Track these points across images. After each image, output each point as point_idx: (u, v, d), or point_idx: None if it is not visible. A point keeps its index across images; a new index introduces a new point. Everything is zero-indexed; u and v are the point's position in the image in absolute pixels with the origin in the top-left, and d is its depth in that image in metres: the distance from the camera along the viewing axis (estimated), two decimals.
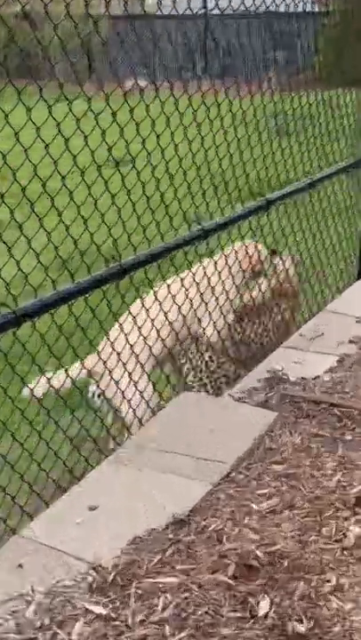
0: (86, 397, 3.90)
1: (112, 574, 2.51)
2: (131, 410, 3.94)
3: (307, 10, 5.27)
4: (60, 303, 3.18)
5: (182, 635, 2.28)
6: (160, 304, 3.94)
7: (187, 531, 2.73)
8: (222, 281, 4.44)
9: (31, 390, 3.70)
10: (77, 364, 3.74)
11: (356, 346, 4.24)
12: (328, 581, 2.49)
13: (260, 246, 4.69)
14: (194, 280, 4.23)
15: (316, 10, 6.22)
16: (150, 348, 4.00)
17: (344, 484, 2.98)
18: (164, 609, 2.38)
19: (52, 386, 3.59)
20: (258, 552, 2.58)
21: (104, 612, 2.38)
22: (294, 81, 5.31)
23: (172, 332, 4.16)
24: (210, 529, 2.74)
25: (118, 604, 2.41)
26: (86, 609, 2.39)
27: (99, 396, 4.07)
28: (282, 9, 4.75)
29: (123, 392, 3.84)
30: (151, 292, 4.01)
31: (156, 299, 3.94)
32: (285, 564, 2.55)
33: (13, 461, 3.29)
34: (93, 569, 2.54)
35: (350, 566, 2.56)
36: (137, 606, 2.40)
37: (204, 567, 2.54)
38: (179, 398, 3.75)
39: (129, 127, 3.43)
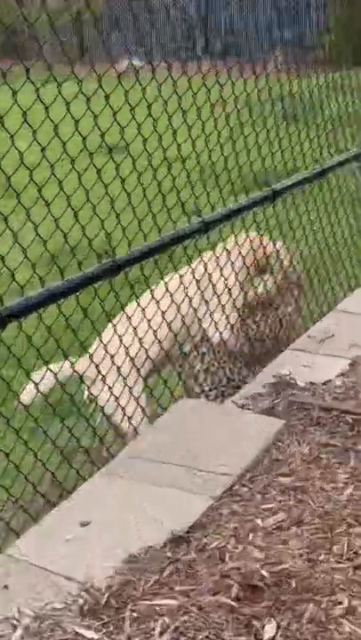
0: (79, 405, 3.90)
1: (105, 596, 2.51)
2: (125, 417, 3.94)
3: None
4: (49, 302, 3.18)
5: None
6: (157, 303, 3.95)
7: (186, 549, 2.74)
8: (227, 277, 4.44)
9: (19, 402, 3.70)
10: (66, 364, 3.73)
11: None
12: (339, 603, 2.49)
13: (265, 240, 4.70)
14: (193, 277, 4.23)
15: None
16: (147, 350, 4.00)
17: (356, 497, 2.98)
18: (161, 633, 2.37)
19: (40, 391, 3.59)
20: (263, 572, 2.58)
21: (96, 636, 2.38)
22: (303, 61, 5.32)
23: (174, 333, 4.17)
24: (211, 547, 2.74)
25: (112, 628, 2.41)
26: (77, 633, 2.39)
27: (90, 401, 4.07)
28: None
29: (117, 398, 3.83)
30: (161, 284, 4.03)
31: (153, 298, 3.94)
32: (293, 584, 2.55)
33: None
34: (85, 590, 2.54)
35: None
36: (132, 631, 2.40)
37: (204, 588, 2.54)
38: (177, 405, 3.75)
39: (123, 111, 3.43)
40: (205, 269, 4.32)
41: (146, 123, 3.58)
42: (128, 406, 3.92)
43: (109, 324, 3.92)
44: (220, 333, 4.52)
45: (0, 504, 3.36)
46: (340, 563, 2.66)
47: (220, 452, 3.26)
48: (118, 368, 3.79)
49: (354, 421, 3.50)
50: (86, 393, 4.07)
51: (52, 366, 3.59)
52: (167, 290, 4.04)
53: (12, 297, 3.05)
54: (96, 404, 4.04)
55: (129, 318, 3.83)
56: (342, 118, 5.55)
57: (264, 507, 2.95)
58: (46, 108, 3.05)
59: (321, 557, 2.68)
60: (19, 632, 2.39)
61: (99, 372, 3.73)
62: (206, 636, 2.36)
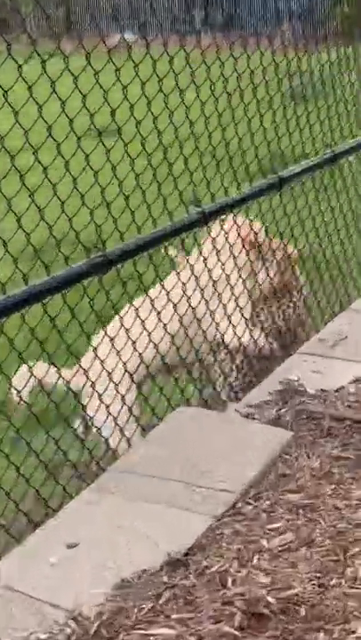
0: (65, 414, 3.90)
1: (95, 625, 2.52)
2: (117, 428, 3.94)
3: None
4: (33, 301, 3.18)
5: None
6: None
7: (184, 573, 2.74)
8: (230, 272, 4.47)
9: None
10: (53, 370, 3.75)
11: None
12: (353, 632, 2.49)
13: (256, 225, 4.69)
14: (193, 274, 4.24)
15: None
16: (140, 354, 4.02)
17: None
18: None
19: (22, 400, 3.60)
20: (269, 598, 2.58)
21: None
22: (312, 35, 5.33)
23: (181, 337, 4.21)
24: (212, 570, 2.74)
25: None
26: None
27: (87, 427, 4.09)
28: None
29: (107, 407, 3.84)
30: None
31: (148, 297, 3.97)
32: (302, 612, 2.55)
33: None
34: (72, 618, 2.54)
35: None
36: None
37: (204, 616, 2.55)
38: (174, 414, 3.76)
39: (114, 90, 3.44)
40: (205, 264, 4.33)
41: (139, 103, 3.59)
42: (123, 415, 3.93)
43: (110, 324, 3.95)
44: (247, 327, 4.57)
45: None
46: (353, 588, 2.66)
47: (221, 465, 3.27)
48: (109, 373, 3.80)
49: None
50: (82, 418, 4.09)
51: (36, 370, 3.61)
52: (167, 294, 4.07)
53: None
54: (92, 424, 4.05)
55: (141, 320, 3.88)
56: (356, 98, 5.56)
57: (270, 526, 2.95)
58: (29, 87, 3.05)
59: (333, 582, 2.68)
60: None
61: (96, 391, 3.75)
62: None
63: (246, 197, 4.28)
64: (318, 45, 5.08)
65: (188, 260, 4.29)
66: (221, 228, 4.45)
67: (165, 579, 2.71)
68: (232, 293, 4.49)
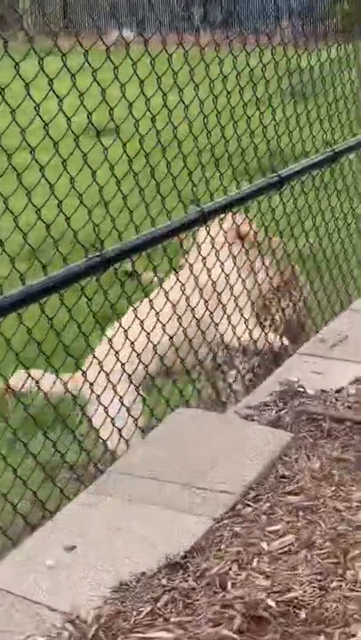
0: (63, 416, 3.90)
1: (93, 628, 2.51)
2: (115, 429, 3.94)
3: None
4: (30, 301, 3.18)
5: None
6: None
7: (183, 575, 2.74)
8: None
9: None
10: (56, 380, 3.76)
11: None
12: (353, 636, 2.49)
13: (238, 217, 4.68)
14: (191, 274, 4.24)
15: None
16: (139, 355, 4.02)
17: None
18: None
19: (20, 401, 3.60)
20: (269, 601, 2.58)
21: None
22: (312, 32, 5.33)
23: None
24: (211, 573, 2.74)
25: None
26: None
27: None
28: None
29: (105, 408, 3.84)
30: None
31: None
32: (302, 615, 2.55)
33: None
34: (70, 622, 2.54)
35: None
36: None
37: (203, 619, 2.55)
38: (173, 415, 3.76)
39: (112, 88, 3.44)
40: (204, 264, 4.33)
41: (138, 101, 3.58)
42: (118, 416, 3.93)
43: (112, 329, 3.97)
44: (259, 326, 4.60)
45: None
46: (353, 591, 2.66)
47: (220, 467, 3.27)
48: (107, 374, 3.80)
49: None
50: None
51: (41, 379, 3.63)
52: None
53: None
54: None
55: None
56: (356, 95, 5.56)
57: (270, 529, 2.95)
58: (26, 85, 3.05)
59: (333, 585, 2.68)
60: None
61: (110, 381, 3.77)
62: None
63: (245, 196, 4.28)
64: (318, 43, 5.07)
65: (187, 260, 4.30)
66: (220, 228, 4.46)
67: (164, 581, 2.71)
68: (231, 293, 4.50)
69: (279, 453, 3.37)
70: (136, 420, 3.99)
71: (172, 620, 2.55)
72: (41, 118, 3.12)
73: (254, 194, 4.35)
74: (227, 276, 4.43)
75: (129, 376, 3.95)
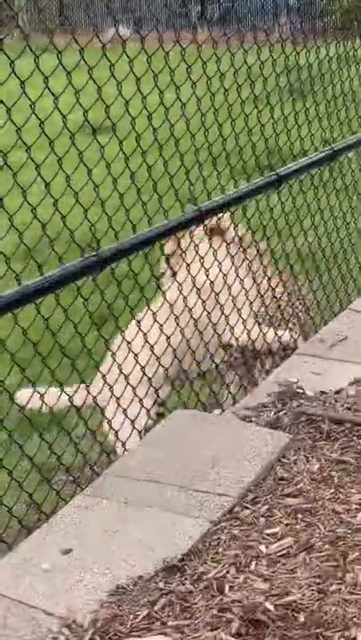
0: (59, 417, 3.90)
1: (89, 632, 2.51)
2: (112, 431, 3.95)
3: None
4: (25, 301, 3.18)
5: None
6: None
7: (180, 579, 2.74)
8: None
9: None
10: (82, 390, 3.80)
11: None
12: (353, 639, 2.50)
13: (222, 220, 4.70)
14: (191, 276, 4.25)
15: None
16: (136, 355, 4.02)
17: None
18: None
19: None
20: (267, 604, 2.58)
21: None
22: (311, 29, 5.33)
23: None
24: (209, 576, 2.74)
25: None
26: None
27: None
28: None
29: (102, 410, 3.85)
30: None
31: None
32: (301, 618, 2.55)
33: None
34: (66, 626, 2.54)
35: None
36: None
37: (201, 623, 2.55)
38: (170, 417, 3.76)
39: (109, 86, 3.44)
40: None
41: (134, 99, 3.58)
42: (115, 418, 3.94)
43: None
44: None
45: None
46: (353, 594, 2.66)
47: (218, 469, 3.27)
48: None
49: None
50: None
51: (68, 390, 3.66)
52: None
53: None
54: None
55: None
56: (356, 93, 5.56)
57: (268, 531, 2.95)
58: (22, 83, 3.05)
59: (332, 588, 2.68)
60: None
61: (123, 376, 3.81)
62: None
63: (243, 195, 4.28)
64: (317, 40, 5.08)
65: (184, 259, 4.30)
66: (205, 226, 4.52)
67: (161, 585, 2.71)
68: (230, 293, 4.50)
69: (278, 455, 3.37)
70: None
71: (169, 623, 2.55)
72: (36, 116, 3.12)
73: (252, 193, 4.35)
74: (225, 275, 4.43)
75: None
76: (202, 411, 4.32)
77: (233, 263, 4.45)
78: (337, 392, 3.88)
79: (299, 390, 3.88)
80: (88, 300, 3.55)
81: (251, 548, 2.87)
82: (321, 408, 3.73)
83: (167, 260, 4.56)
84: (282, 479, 3.24)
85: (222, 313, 4.45)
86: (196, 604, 2.63)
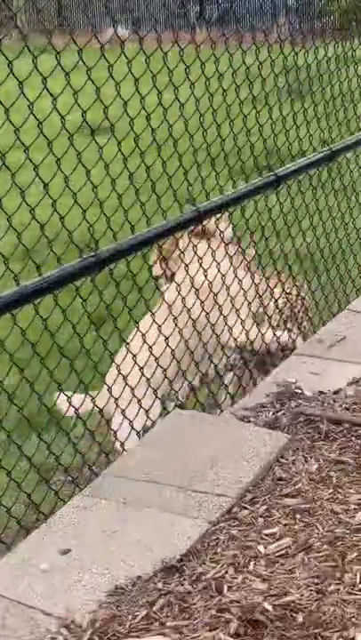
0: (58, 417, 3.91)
1: (88, 633, 2.51)
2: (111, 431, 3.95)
3: None
4: (23, 302, 3.18)
5: None
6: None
7: (179, 579, 2.74)
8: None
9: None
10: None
11: None
12: (351, 639, 2.50)
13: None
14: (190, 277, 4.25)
15: None
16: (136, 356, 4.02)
17: None
18: None
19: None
20: (266, 604, 2.58)
21: None
22: (309, 30, 5.33)
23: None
24: (207, 577, 2.74)
25: None
26: None
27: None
28: None
29: (101, 410, 3.85)
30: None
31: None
32: (299, 618, 2.55)
33: None
34: (65, 626, 2.54)
35: None
36: None
37: (200, 623, 2.55)
38: (169, 417, 3.76)
39: (107, 87, 3.44)
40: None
41: (133, 100, 3.58)
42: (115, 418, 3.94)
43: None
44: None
45: None
46: (351, 594, 2.66)
47: (216, 469, 3.27)
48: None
49: None
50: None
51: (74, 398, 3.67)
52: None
53: None
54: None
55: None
56: (354, 94, 5.56)
57: (267, 532, 2.95)
58: (20, 84, 3.05)
59: (331, 588, 2.68)
60: None
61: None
62: None
63: (242, 196, 4.28)
64: (315, 40, 5.08)
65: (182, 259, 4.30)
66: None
67: (160, 585, 2.71)
68: (228, 294, 4.51)
69: (276, 455, 3.37)
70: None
71: (167, 624, 2.55)
72: (35, 117, 3.12)
73: (251, 193, 4.35)
74: (223, 276, 4.43)
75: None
76: (200, 411, 4.33)
77: (220, 267, 4.44)
78: (335, 392, 3.88)
79: (297, 390, 3.88)
80: (86, 300, 3.55)
81: (249, 549, 2.87)
82: (319, 408, 3.73)
83: (164, 261, 4.57)
84: (280, 479, 3.24)
85: (211, 315, 4.45)
86: (194, 604, 2.63)
